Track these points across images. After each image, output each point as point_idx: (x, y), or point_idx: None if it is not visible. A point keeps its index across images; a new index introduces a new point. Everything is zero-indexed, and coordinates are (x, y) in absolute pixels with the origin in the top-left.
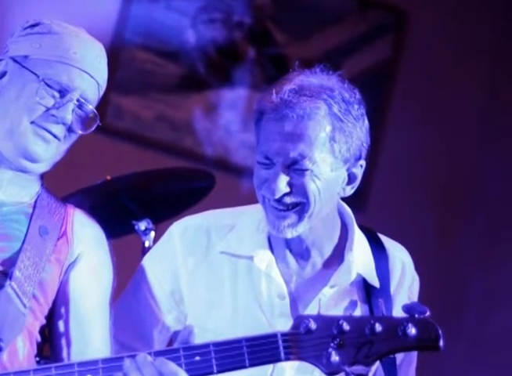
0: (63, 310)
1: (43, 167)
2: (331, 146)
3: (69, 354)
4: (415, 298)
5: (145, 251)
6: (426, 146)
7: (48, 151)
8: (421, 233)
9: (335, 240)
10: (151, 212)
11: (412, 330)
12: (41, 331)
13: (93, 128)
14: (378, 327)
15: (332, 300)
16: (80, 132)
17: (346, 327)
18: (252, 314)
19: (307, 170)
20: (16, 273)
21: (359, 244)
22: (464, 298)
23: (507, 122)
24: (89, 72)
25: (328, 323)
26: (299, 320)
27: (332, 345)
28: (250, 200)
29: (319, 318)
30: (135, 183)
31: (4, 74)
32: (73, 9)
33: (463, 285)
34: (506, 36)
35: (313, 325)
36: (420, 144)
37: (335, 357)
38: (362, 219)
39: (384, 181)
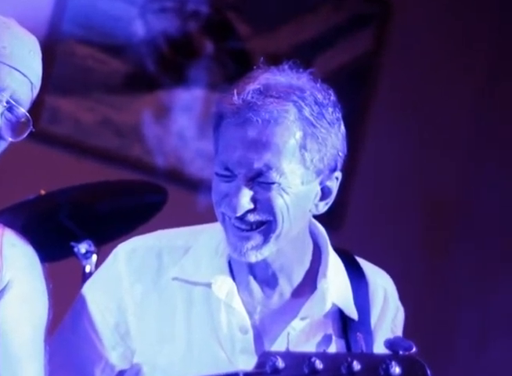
0: None
1: None
2: (302, 155)
3: None
4: (399, 332)
5: (85, 277)
6: (411, 155)
7: None
8: (406, 256)
9: (306, 265)
10: (93, 232)
11: (395, 369)
12: None
13: (25, 134)
14: (356, 366)
15: (303, 334)
16: (10, 139)
17: (319, 365)
18: (209, 350)
19: (273, 183)
20: None
21: (334, 269)
22: (455, 331)
23: (503, 124)
24: (21, 70)
25: (298, 361)
26: (264, 358)
27: None
28: (208, 218)
29: (287, 355)
30: (75, 198)
31: None
32: None
33: (454, 316)
34: (502, 33)
35: (281, 363)
36: (405, 153)
37: None
38: (338, 240)
39: (362, 196)
